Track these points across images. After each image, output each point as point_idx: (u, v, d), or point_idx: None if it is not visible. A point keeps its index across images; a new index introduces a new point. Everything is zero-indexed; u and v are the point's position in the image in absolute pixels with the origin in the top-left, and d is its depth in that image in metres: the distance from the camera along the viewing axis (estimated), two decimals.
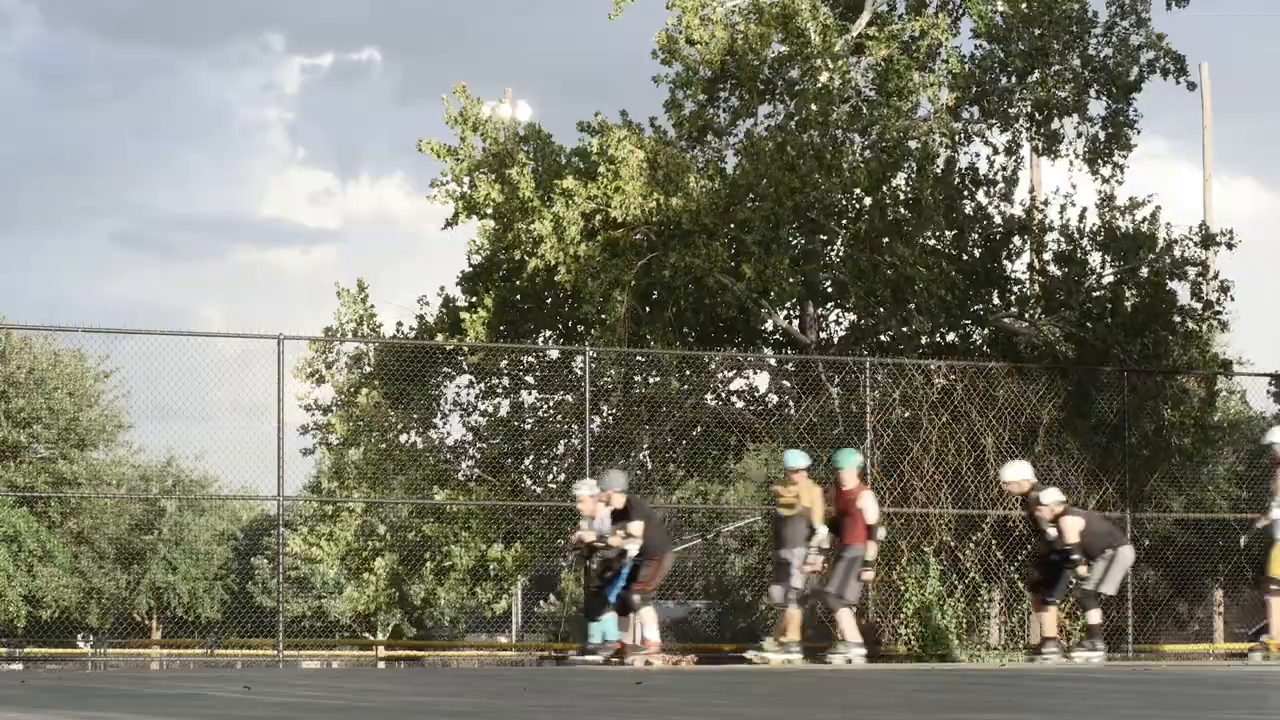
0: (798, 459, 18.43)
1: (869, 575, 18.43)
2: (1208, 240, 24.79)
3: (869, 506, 18.21)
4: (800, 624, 18.43)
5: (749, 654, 18.44)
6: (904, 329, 24.17)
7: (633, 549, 17.99)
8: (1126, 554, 18.85)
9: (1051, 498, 18.56)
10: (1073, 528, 18.39)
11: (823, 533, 18.18)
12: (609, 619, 18.35)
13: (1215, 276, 25.04)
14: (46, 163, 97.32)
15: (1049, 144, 24.87)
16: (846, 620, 18.22)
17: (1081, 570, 18.37)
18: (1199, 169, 33.46)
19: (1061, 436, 22.97)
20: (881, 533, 18.53)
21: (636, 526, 18.05)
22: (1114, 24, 24.71)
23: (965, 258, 24.59)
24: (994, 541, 22.26)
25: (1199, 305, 24.74)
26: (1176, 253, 24.49)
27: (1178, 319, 24.52)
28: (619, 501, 18.16)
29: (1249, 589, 27.88)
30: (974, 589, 22.03)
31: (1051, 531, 18.52)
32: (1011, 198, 25.13)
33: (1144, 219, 24.53)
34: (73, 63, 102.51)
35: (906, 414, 22.29)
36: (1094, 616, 18.67)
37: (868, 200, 24.11)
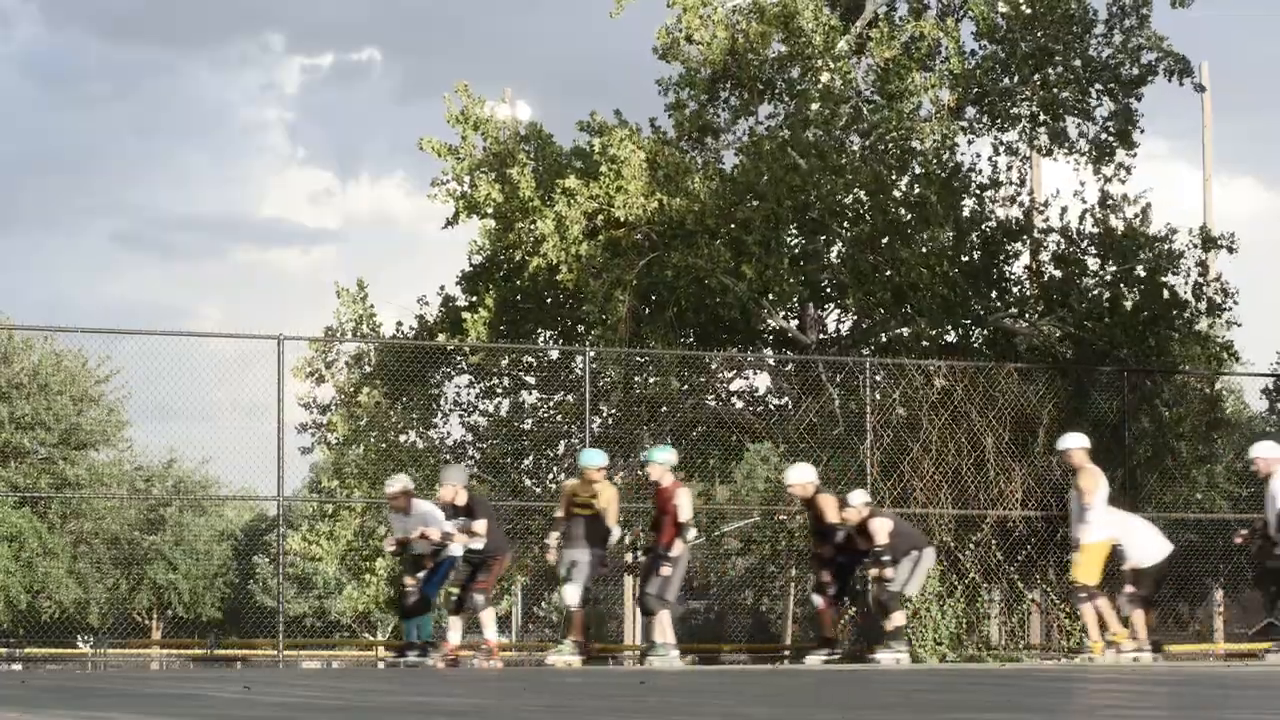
0: (595, 458, 18.12)
1: (666, 571, 17.58)
2: (1208, 242, 24.78)
3: (683, 505, 17.57)
4: (582, 625, 18.09)
5: (549, 658, 18.13)
6: (904, 329, 24.18)
7: (477, 546, 17.59)
8: (930, 556, 18.72)
9: (859, 499, 18.32)
10: (882, 529, 18.14)
11: (616, 533, 18.05)
12: (428, 618, 18.30)
13: (1218, 278, 25.02)
14: (46, 163, 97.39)
15: (1053, 143, 24.86)
16: (665, 622, 17.65)
17: (888, 573, 18.06)
18: (1199, 169, 33.48)
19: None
20: (691, 533, 17.95)
21: (481, 525, 17.65)
22: (1115, 24, 24.70)
23: (965, 258, 24.59)
24: (994, 542, 22.26)
25: (1199, 302, 24.72)
26: (1171, 246, 24.46)
27: (1176, 313, 24.50)
28: (462, 498, 17.78)
29: (1249, 589, 27.90)
30: (974, 589, 22.03)
31: (840, 534, 18.37)
32: (1012, 198, 25.14)
33: (1136, 215, 24.53)
34: (73, 63, 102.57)
35: (906, 414, 22.29)
36: (897, 619, 18.35)
37: (869, 201, 24.12)
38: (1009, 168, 25.09)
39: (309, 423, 24.31)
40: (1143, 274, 24.52)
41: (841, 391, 22.71)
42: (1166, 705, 9.62)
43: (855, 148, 24.38)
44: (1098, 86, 24.73)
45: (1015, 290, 25.33)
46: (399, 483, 18.24)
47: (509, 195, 23.44)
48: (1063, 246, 24.93)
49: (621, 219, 22.91)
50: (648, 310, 23.88)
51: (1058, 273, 24.98)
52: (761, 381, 25.04)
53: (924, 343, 24.10)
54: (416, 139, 24.30)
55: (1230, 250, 24.86)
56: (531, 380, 24.59)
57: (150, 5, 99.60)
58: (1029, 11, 24.19)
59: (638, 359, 23.32)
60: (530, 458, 24.65)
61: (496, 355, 23.84)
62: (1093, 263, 24.87)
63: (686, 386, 23.58)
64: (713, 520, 25.63)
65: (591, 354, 22.63)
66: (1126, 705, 9.56)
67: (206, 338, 21.97)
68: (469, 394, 24.62)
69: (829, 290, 24.85)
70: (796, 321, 24.97)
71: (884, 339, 24.48)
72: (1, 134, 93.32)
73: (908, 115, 23.78)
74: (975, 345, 24.89)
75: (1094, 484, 17.93)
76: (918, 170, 24.34)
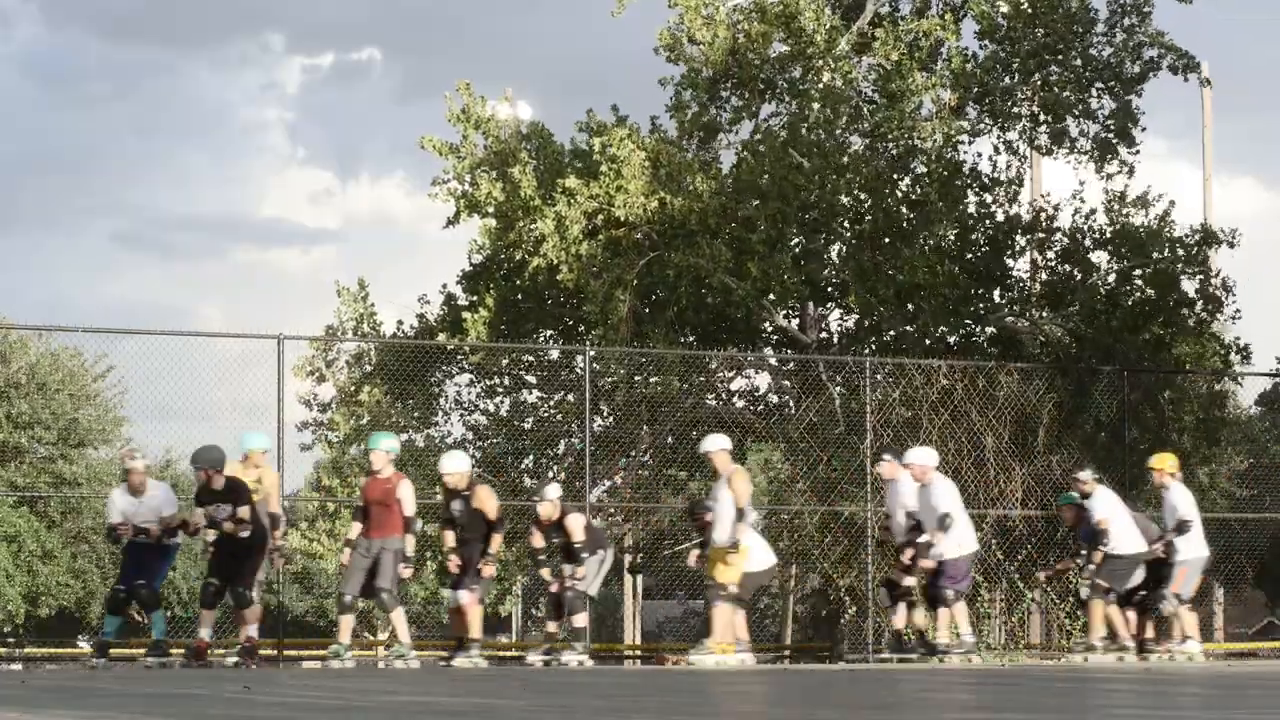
0: (257, 440, 17.22)
1: (407, 572, 17.00)
2: (1209, 239, 24.79)
3: (407, 497, 16.71)
4: (259, 617, 17.05)
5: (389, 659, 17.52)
6: (907, 328, 24.19)
7: (244, 535, 16.19)
8: (610, 557, 18.42)
9: (554, 493, 17.84)
10: (578, 525, 17.68)
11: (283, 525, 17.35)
12: (160, 614, 16.84)
13: (1218, 274, 25.03)
14: (46, 163, 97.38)
15: (1055, 141, 24.86)
16: (399, 619, 16.99)
17: (580, 571, 17.60)
18: (1199, 168, 33.46)
19: (1062, 435, 22.97)
20: (419, 525, 17.27)
21: (247, 511, 16.28)
22: (1116, 22, 24.70)
23: (969, 256, 24.59)
24: (994, 541, 22.26)
25: (1204, 301, 24.72)
26: (1188, 247, 24.48)
27: (1184, 311, 24.51)
28: (219, 482, 16.24)
29: (1250, 588, 27.91)
30: (974, 589, 22.02)
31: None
32: (1015, 197, 25.15)
33: (1156, 216, 24.56)
34: (73, 63, 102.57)
35: (907, 414, 22.28)
36: (580, 620, 17.74)
37: (870, 200, 24.13)
38: (1008, 166, 25.09)
39: (310, 421, 24.34)
40: (1150, 272, 24.48)
41: (842, 391, 22.71)
42: (1167, 705, 9.61)
43: (856, 147, 24.37)
44: (1099, 85, 24.73)
45: (1017, 289, 25.33)
46: (139, 459, 16.82)
47: (510, 194, 23.45)
48: (1065, 243, 24.93)
49: (622, 218, 22.92)
50: (648, 310, 23.88)
51: (1066, 267, 24.97)
52: (762, 381, 25.06)
53: (926, 341, 24.11)
54: (417, 139, 24.33)
55: (1231, 245, 24.87)
56: (532, 380, 24.60)
57: (150, 5, 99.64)
58: (1029, 10, 24.19)
59: (638, 359, 23.32)
60: (530, 457, 24.66)
61: (497, 355, 23.84)
62: (1099, 260, 24.87)
63: (687, 386, 23.57)
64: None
65: (592, 354, 22.63)
66: (1127, 705, 9.55)
67: (206, 338, 21.89)
68: (469, 393, 24.64)
69: (830, 290, 24.86)
70: (797, 321, 24.98)
71: (886, 338, 24.48)
72: (1, 134, 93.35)
73: (909, 115, 23.78)
74: (978, 344, 24.89)
75: (746, 488, 17.41)
76: (919, 170, 24.35)
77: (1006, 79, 24.62)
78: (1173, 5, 24.83)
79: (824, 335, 25.09)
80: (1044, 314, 24.68)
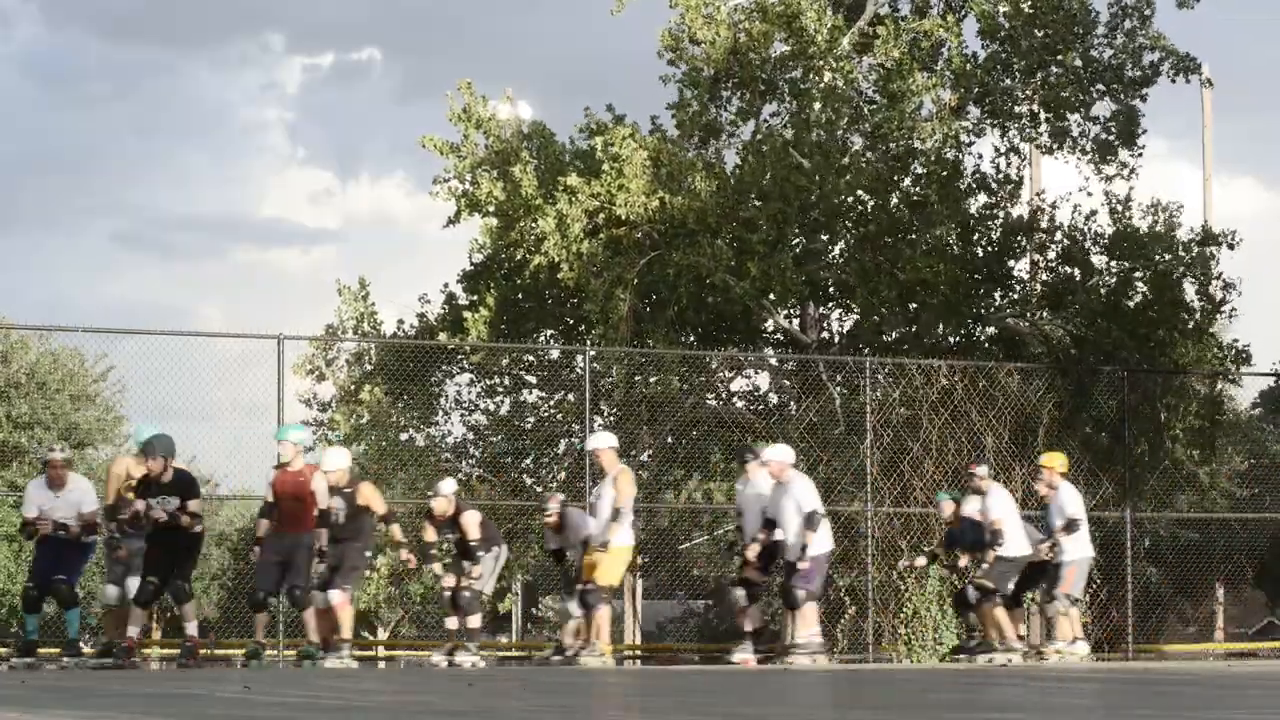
0: (150, 433, 16.29)
1: (320, 568, 16.47)
2: (1209, 239, 24.80)
3: (321, 490, 16.19)
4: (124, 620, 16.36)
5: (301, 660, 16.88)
6: (909, 328, 24.20)
7: (198, 529, 15.73)
8: (504, 554, 18.17)
9: (450, 489, 17.52)
10: (473, 522, 17.36)
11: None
12: (76, 613, 16.23)
13: (1219, 275, 25.03)
14: (46, 163, 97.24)
15: (1056, 141, 24.87)
16: (310, 619, 16.40)
17: (476, 570, 17.35)
18: (1199, 169, 33.44)
19: (1061, 436, 22.96)
20: (334, 516, 16.45)
21: (198, 504, 15.75)
22: (1116, 24, 24.70)
23: (969, 256, 24.60)
24: None
25: (1205, 302, 24.72)
26: (1191, 252, 24.48)
27: (1185, 314, 24.51)
28: (168, 474, 15.64)
29: (1250, 588, 27.91)
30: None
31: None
32: (1016, 197, 25.16)
33: (1162, 221, 24.56)
34: (73, 63, 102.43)
35: (907, 413, 22.27)
36: (474, 620, 17.51)
37: (872, 201, 24.13)
38: (1009, 166, 25.10)
39: (310, 420, 24.33)
40: (1151, 275, 24.48)
41: (842, 391, 22.71)
42: (1167, 705, 9.61)
43: (857, 147, 24.38)
44: (1099, 87, 24.74)
45: (1019, 289, 25.34)
46: (60, 451, 16.12)
47: (510, 194, 23.45)
48: (1065, 244, 24.94)
49: (623, 217, 22.92)
50: (648, 309, 23.89)
51: (1067, 269, 24.97)
52: (762, 381, 25.06)
53: (926, 340, 24.11)
54: (417, 138, 24.34)
55: (1231, 246, 24.88)
56: (532, 380, 24.61)
57: (150, 5, 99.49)
58: (1030, 10, 24.19)
59: (638, 358, 23.32)
60: (531, 457, 24.65)
61: (497, 354, 23.84)
62: (1099, 261, 24.87)
63: (686, 386, 23.57)
64: (715, 519, 25.63)
65: (592, 354, 22.63)
66: (1127, 705, 9.55)
67: (207, 338, 21.88)
68: (470, 393, 24.65)
69: (832, 289, 24.87)
70: (797, 321, 24.98)
71: (888, 338, 24.48)
72: (1, 134, 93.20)
73: (909, 115, 23.78)
74: (979, 344, 24.89)
75: (630, 489, 17.07)
76: (920, 170, 24.35)
77: (1007, 79, 24.63)
78: (1173, 8, 24.82)
79: (824, 335, 25.09)
80: (1044, 315, 24.68)
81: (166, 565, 15.60)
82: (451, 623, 17.76)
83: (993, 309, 25.04)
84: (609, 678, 13.72)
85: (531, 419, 24.58)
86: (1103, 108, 24.86)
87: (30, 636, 16.10)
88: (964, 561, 18.40)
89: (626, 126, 23.58)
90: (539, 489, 24.02)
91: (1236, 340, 25.01)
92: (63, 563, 15.92)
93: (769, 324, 24.84)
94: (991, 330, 25.06)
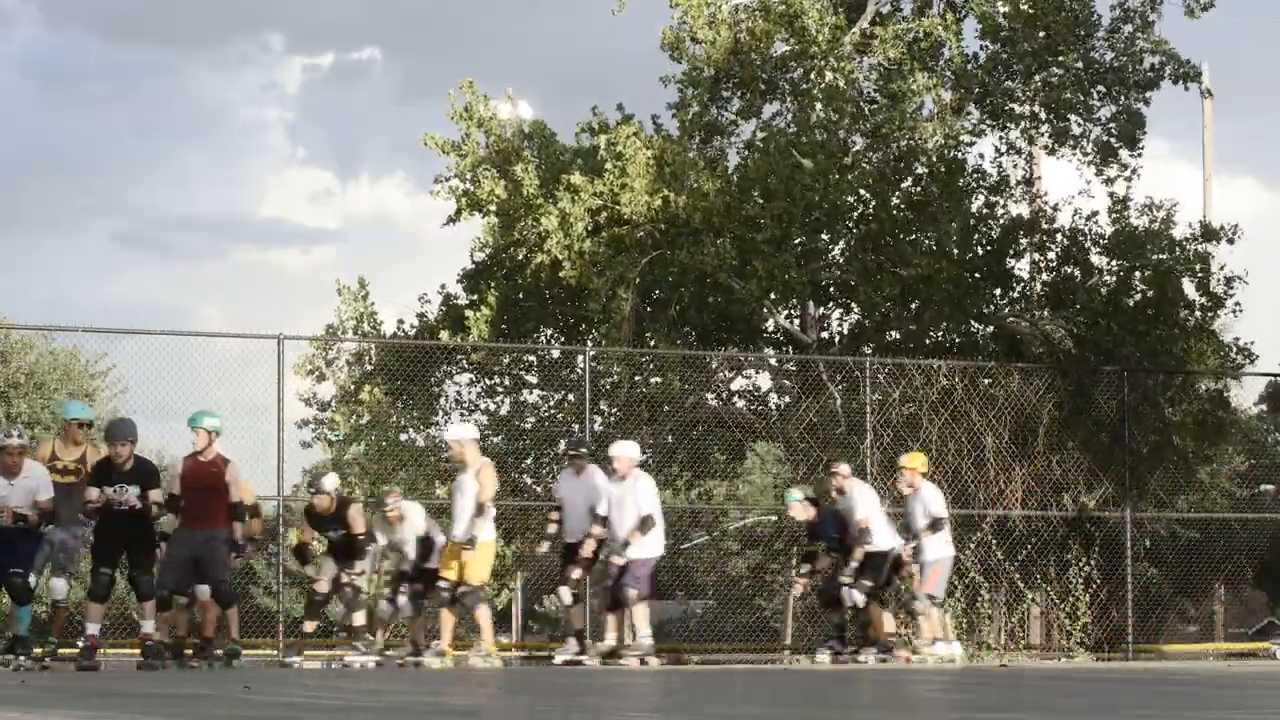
0: (78, 410, 16.20)
1: (238, 562, 16.31)
2: (1209, 235, 24.81)
3: (235, 481, 15.61)
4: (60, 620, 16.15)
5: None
6: (910, 328, 24.21)
7: (162, 519, 15.28)
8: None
9: (331, 484, 17.24)
10: (358, 516, 17.14)
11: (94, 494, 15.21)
12: (28, 610, 15.34)
13: (1222, 268, 25.01)
14: (46, 163, 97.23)
15: (1057, 141, 24.88)
16: (234, 615, 15.96)
17: (360, 566, 17.09)
18: (1199, 169, 33.45)
19: (1061, 436, 22.98)
20: (265, 509, 16.34)
21: (160, 494, 15.15)
22: (1117, 27, 24.70)
23: (970, 256, 24.61)
24: (994, 541, 22.26)
25: (1206, 300, 24.71)
26: (1188, 250, 24.48)
27: (1185, 313, 24.51)
28: (129, 462, 15.10)
29: (1250, 588, 27.89)
30: (974, 589, 22.02)
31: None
32: (1016, 196, 25.18)
33: (1160, 219, 24.57)
34: (73, 63, 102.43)
35: (909, 409, 22.26)
36: (358, 618, 17.27)
37: (873, 200, 24.14)
38: (1011, 165, 25.13)
39: (310, 419, 24.35)
40: (1150, 274, 24.46)
41: (842, 391, 22.71)
42: (1167, 705, 9.61)
43: (858, 147, 24.40)
44: (1100, 89, 24.74)
45: (1019, 289, 25.35)
46: (17, 436, 15.28)
47: (512, 193, 23.48)
48: (1065, 244, 24.95)
49: (626, 215, 22.94)
50: (648, 309, 23.90)
51: (1069, 269, 24.98)
52: (763, 381, 25.07)
53: (929, 340, 24.12)
54: (418, 137, 24.37)
55: (1230, 241, 24.87)
56: (533, 379, 24.62)
57: (150, 5, 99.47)
58: (1030, 11, 24.19)
59: (638, 358, 23.33)
60: (531, 457, 24.66)
61: (497, 354, 23.85)
62: (1099, 261, 24.88)
63: (687, 386, 23.58)
64: (714, 519, 25.66)
65: (592, 353, 22.64)
66: (1128, 705, 9.55)
67: (207, 338, 21.87)
68: (470, 393, 24.66)
69: (833, 289, 24.88)
70: (798, 321, 24.99)
71: (888, 339, 24.50)
72: (1, 134, 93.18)
73: (910, 115, 23.79)
74: (979, 343, 24.90)
75: (492, 484, 16.60)
76: (920, 169, 24.36)
77: (1007, 80, 24.63)
78: (1175, 12, 24.83)
79: (825, 335, 25.10)
80: (1044, 314, 24.69)
81: (118, 557, 15.08)
82: (309, 626, 17.61)
83: (993, 308, 25.03)
84: (610, 678, 13.72)
85: (531, 419, 24.59)
86: (1104, 110, 24.86)
87: (24, 634, 15.23)
88: (825, 562, 18.13)
89: (632, 125, 23.61)
90: (539, 489, 24.04)
91: (1239, 339, 24.99)
92: (16, 554, 14.95)
93: (769, 324, 24.84)
94: (992, 330, 25.05)
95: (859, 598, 17.84)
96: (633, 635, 17.43)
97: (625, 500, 16.93)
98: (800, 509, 18.27)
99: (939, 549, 18.07)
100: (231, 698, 9.77)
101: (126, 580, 15.69)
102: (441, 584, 16.71)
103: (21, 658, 15.03)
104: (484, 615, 16.89)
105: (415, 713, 8.54)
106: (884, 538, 17.98)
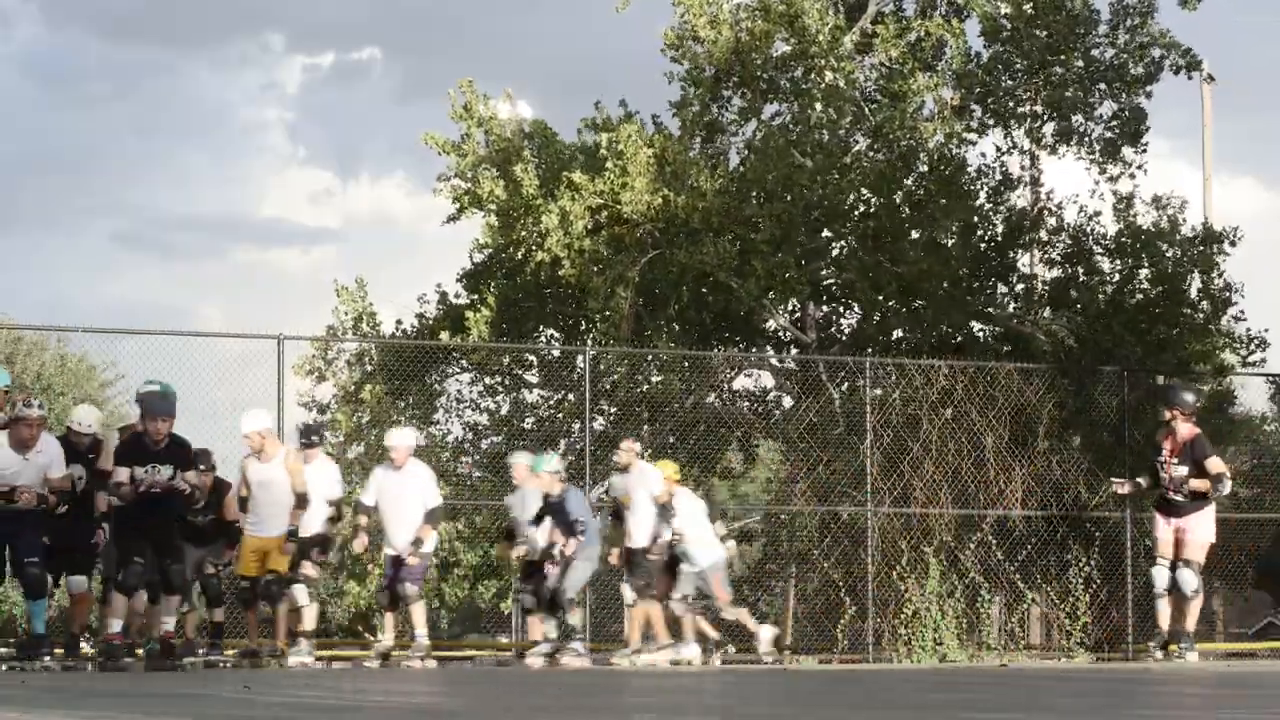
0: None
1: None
2: (1210, 237, 24.83)
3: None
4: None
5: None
6: (910, 328, 24.22)
7: (198, 505, 14.67)
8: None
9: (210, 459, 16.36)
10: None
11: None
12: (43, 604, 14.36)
13: (1222, 273, 25.04)
14: (46, 163, 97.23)
15: (1060, 140, 24.89)
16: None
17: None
18: (1199, 169, 33.44)
19: (1062, 435, 22.97)
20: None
21: (196, 476, 14.39)
22: (1118, 23, 24.73)
23: (971, 254, 24.62)
24: (994, 541, 22.26)
25: (1208, 299, 24.73)
26: (1194, 248, 24.50)
27: (1188, 311, 24.52)
28: (164, 439, 14.16)
29: (1250, 589, 27.89)
30: (974, 589, 22.01)
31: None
32: (1018, 195, 25.22)
33: (1166, 216, 24.59)
34: (73, 63, 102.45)
35: (909, 409, 22.26)
36: (217, 615, 16.45)
37: (874, 200, 24.16)
38: (1020, 165, 25.17)
39: (311, 420, 24.36)
40: (1155, 272, 24.47)
41: (842, 390, 22.72)
42: (1167, 705, 9.61)
43: (860, 146, 24.41)
44: (1101, 87, 24.76)
45: (1021, 288, 25.36)
46: (37, 406, 13.96)
47: (511, 193, 23.50)
48: (1068, 243, 24.96)
49: (626, 215, 22.95)
50: (649, 308, 23.91)
51: (1074, 267, 24.99)
52: (766, 380, 25.08)
53: (933, 338, 24.13)
54: (418, 137, 24.42)
55: (1232, 244, 24.88)
56: (533, 379, 24.63)
57: (150, 5, 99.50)
58: (1031, 11, 24.21)
59: (638, 357, 23.35)
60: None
61: (497, 353, 23.87)
62: (1103, 260, 24.89)
63: (687, 386, 23.58)
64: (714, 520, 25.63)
65: (591, 353, 22.64)
66: (1128, 705, 9.55)
67: (207, 338, 21.88)
68: (471, 391, 24.68)
69: (834, 289, 24.89)
70: (798, 321, 25.00)
71: (890, 338, 24.51)
72: (1, 134, 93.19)
73: (911, 114, 23.80)
74: (981, 342, 24.92)
75: (301, 469, 15.59)
76: (922, 169, 24.37)
77: (1008, 80, 24.65)
78: (1174, 9, 24.91)
79: (825, 335, 25.10)
80: (1046, 314, 24.69)
81: (148, 544, 14.05)
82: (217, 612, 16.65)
83: (995, 307, 25.04)
84: (600, 679, 13.72)
85: (531, 418, 24.60)
86: (1105, 107, 24.91)
87: (40, 633, 14.06)
88: (524, 549, 17.42)
89: (633, 123, 23.64)
90: None
91: (1250, 329, 24.98)
92: (31, 542, 13.70)
93: (771, 323, 24.85)
94: (993, 329, 25.06)
95: (628, 595, 17.44)
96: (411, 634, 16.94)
97: (404, 492, 16.31)
98: (549, 480, 16.95)
99: (707, 556, 17.56)
100: (231, 698, 9.77)
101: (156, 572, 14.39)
102: (245, 582, 15.86)
103: (46, 658, 13.92)
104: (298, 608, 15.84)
105: (411, 713, 8.54)
106: (643, 534, 17.17)
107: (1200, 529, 16.46)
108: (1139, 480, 17.01)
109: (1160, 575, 16.54)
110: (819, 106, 23.94)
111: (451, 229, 24.99)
